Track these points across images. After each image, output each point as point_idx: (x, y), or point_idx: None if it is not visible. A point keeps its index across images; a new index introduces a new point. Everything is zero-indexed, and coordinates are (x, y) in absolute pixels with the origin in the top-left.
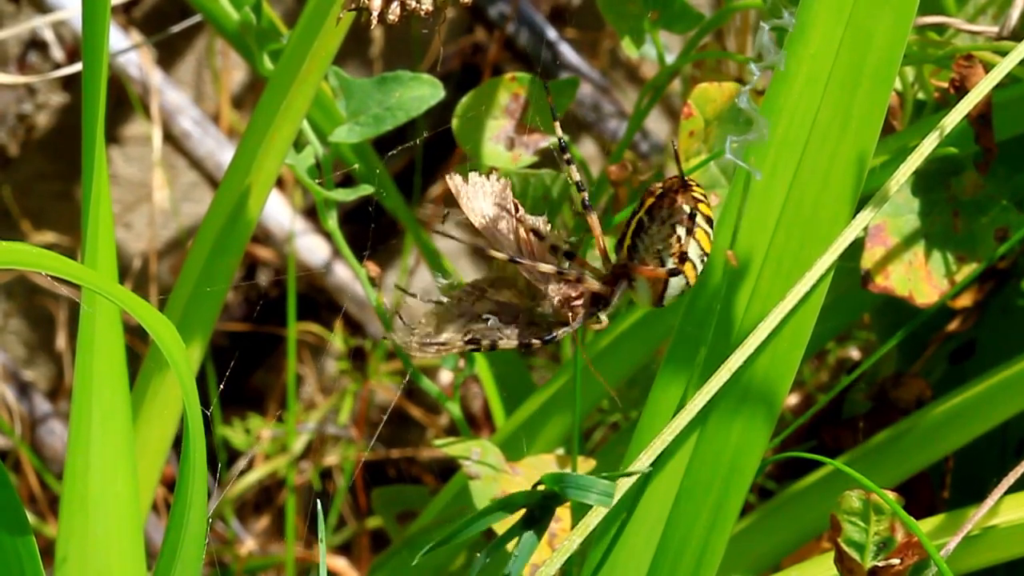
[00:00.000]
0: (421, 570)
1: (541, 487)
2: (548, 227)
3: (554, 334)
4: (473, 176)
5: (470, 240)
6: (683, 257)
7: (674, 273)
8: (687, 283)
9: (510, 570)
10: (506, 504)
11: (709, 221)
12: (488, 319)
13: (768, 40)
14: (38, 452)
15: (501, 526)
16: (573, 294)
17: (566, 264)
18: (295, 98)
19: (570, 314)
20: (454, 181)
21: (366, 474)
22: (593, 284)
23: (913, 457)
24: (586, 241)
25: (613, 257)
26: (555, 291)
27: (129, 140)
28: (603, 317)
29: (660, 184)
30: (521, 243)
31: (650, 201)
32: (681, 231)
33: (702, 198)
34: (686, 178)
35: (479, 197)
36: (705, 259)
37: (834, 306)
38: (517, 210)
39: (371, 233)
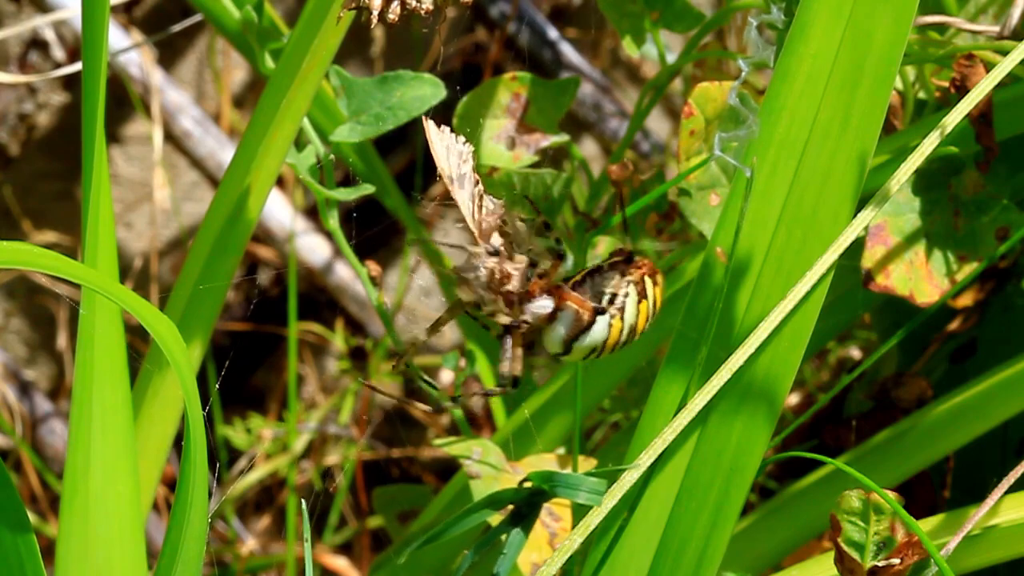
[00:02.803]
0: (420, 570)
1: (528, 484)
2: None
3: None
4: (446, 130)
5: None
6: (622, 309)
7: (600, 312)
8: (605, 340)
9: (499, 568)
10: (493, 501)
11: (655, 308)
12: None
13: (756, 36)
14: (39, 451)
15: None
16: (509, 268)
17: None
18: (296, 97)
19: (494, 289)
20: (429, 124)
21: (367, 473)
22: (531, 282)
23: (914, 456)
24: (587, 240)
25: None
26: (488, 262)
27: (130, 139)
28: (515, 312)
29: (627, 259)
30: (475, 211)
31: (617, 259)
32: (633, 293)
33: (661, 285)
34: (656, 270)
35: (449, 152)
36: (632, 336)
37: (835, 305)
38: (477, 184)
39: (354, 226)
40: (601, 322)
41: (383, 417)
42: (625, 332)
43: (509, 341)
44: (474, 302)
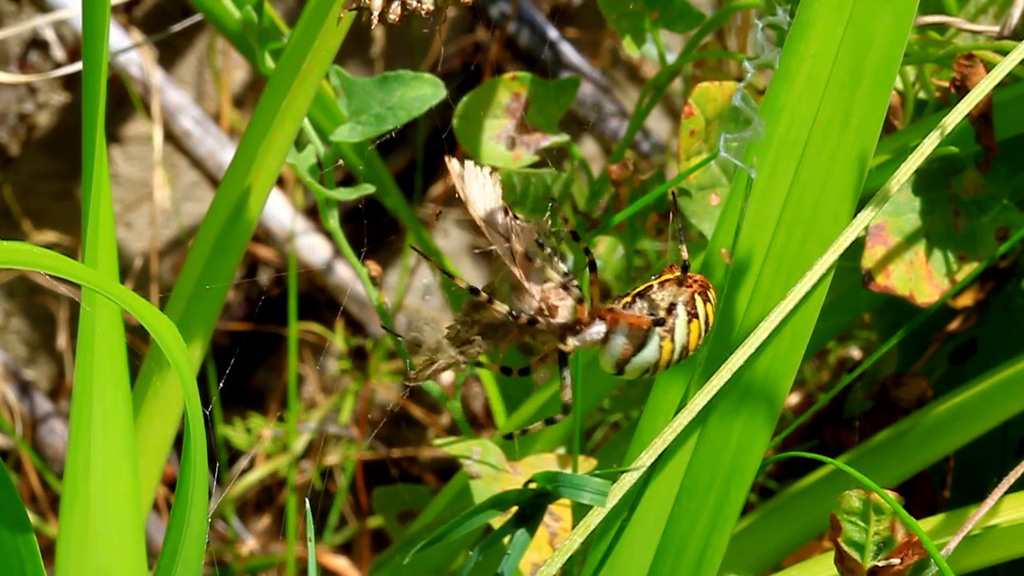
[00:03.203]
0: (421, 569)
1: (533, 485)
2: (547, 227)
3: (534, 318)
4: (469, 165)
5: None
6: (671, 330)
7: (659, 323)
8: (658, 358)
9: (503, 569)
10: (498, 502)
11: (707, 326)
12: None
13: (762, 38)
14: (39, 451)
15: (497, 524)
16: (555, 302)
17: (557, 275)
18: (296, 97)
19: (548, 317)
20: (453, 165)
21: (367, 473)
22: (578, 309)
23: (914, 456)
24: (587, 240)
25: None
26: (539, 292)
27: (130, 139)
28: (570, 342)
29: (682, 271)
30: (513, 243)
31: (668, 276)
32: (683, 314)
33: (713, 302)
34: (707, 285)
35: (475, 187)
36: (685, 355)
37: (835, 305)
38: (507, 212)
39: (365, 230)
40: (651, 344)
41: (383, 416)
42: (677, 352)
43: (567, 370)
44: (524, 340)
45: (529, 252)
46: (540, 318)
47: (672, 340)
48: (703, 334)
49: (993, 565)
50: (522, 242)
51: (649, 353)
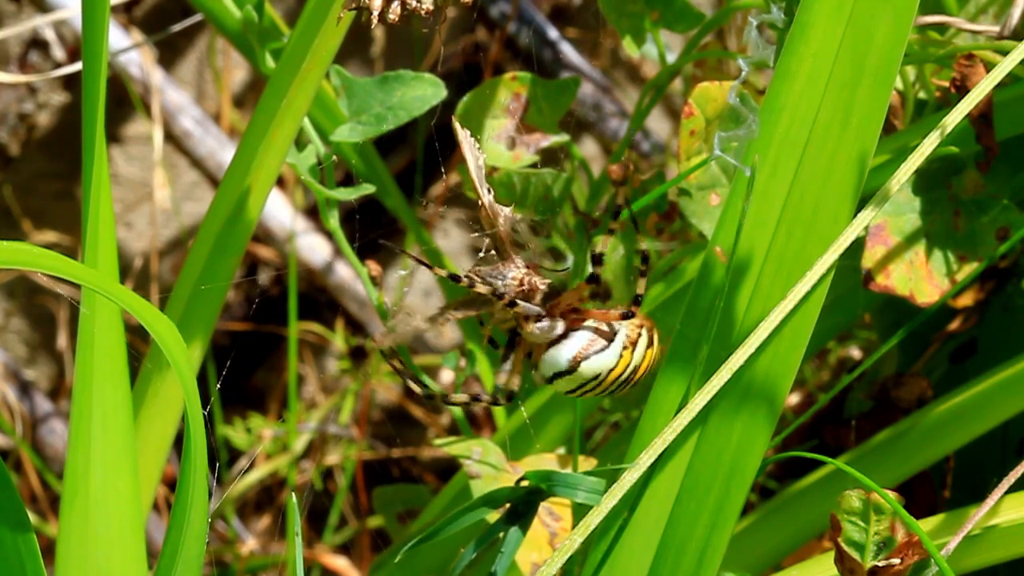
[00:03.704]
0: (421, 569)
1: (525, 483)
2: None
3: (514, 300)
4: (472, 138)
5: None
6: (635, 343)
7: (626, 316)
8: (613, 366)
9: (497, 567)
10: (490, 499)
11: (652, 364)
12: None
13: (756, 36)
14: (39, 451)
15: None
16: (540, 284)
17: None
18: (296, 97)
19: (524, 296)
20: (464, 134)
21: (367, 473)
22: (546, 300)
23: (914, 456)
24: (586, 244)
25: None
26: (519, 268)
27: (130, 139)
28: (528, 328)
29: (634, 303)
30: (502, 215)
31: (625, 310)
32: (645, 336)
33: (655, 349)
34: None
35: (478, 161)
36: (631, 379)
37: (835, 305)
38: (490, 191)
39: (358, 226)
40: (614, 347)
41: (384, 416)
42: (628, 370)
43: (512, 356)
44: (488, 310)
45: (516, 231)
46: (519, 300)
47: (632, 353)
48: (651, 367)
49: (993, 565)
50: (508, 222)
51: (607, 357)
